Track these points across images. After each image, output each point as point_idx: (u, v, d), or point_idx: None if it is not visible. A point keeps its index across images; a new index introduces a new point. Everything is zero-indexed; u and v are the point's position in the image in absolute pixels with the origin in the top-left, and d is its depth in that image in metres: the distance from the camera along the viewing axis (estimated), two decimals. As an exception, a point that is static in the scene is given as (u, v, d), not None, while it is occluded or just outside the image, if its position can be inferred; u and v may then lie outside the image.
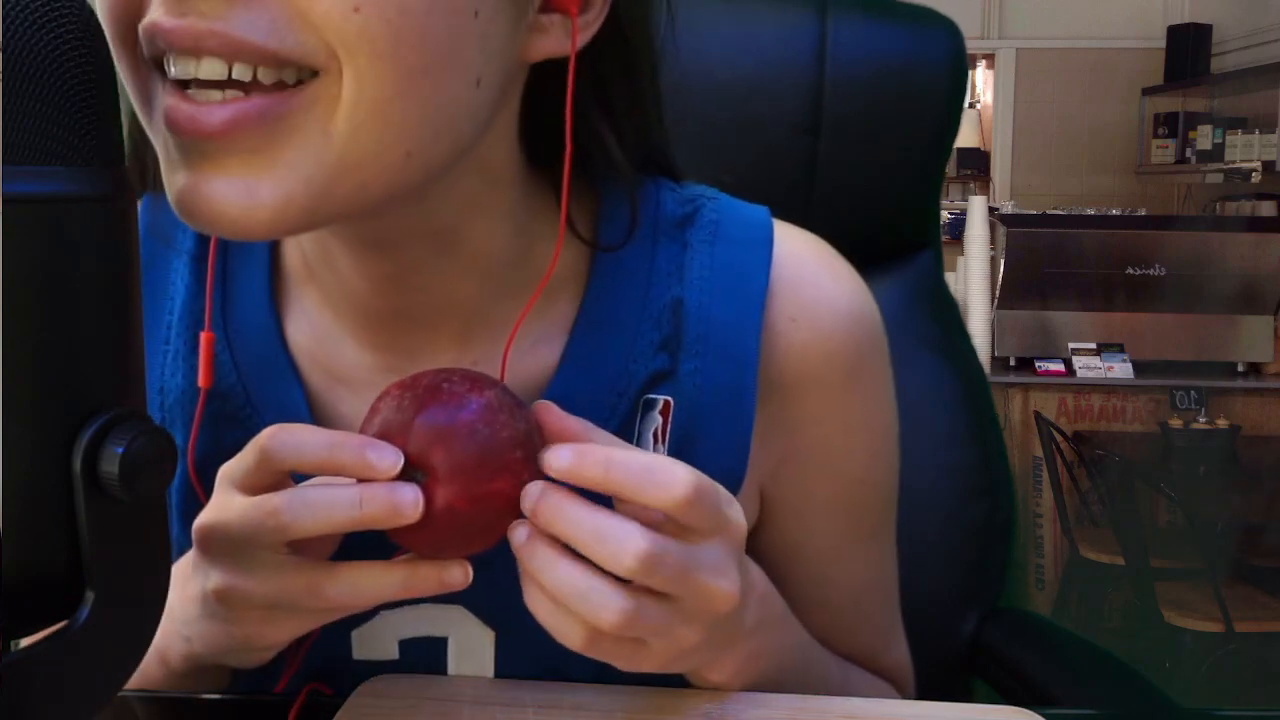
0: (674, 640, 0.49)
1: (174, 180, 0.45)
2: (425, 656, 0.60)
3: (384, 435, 0.47)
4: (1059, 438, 2.97)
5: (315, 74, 0.44)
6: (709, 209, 0.62)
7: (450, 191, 0.53)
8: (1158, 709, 0.76)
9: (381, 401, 0.49)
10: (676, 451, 0.59)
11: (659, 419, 0.59)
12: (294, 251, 0.61)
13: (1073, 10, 5.64)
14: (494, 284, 0.58)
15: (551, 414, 0.49)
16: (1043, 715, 0.54)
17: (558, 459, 0.47)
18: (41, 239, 0.32)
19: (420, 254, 0.55)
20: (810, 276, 0.62)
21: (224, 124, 0.43)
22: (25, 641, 0.34)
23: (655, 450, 0.59)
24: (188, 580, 0.52)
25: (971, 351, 1.00)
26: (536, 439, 0.49)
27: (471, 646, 0.60)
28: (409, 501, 0.46)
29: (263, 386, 0.59)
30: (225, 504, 0.49)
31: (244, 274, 0.61)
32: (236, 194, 0.44)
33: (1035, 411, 3.09)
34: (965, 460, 0.96)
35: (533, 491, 0.47)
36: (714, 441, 0.60)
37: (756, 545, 0.65)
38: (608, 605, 0.46)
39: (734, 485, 0.60)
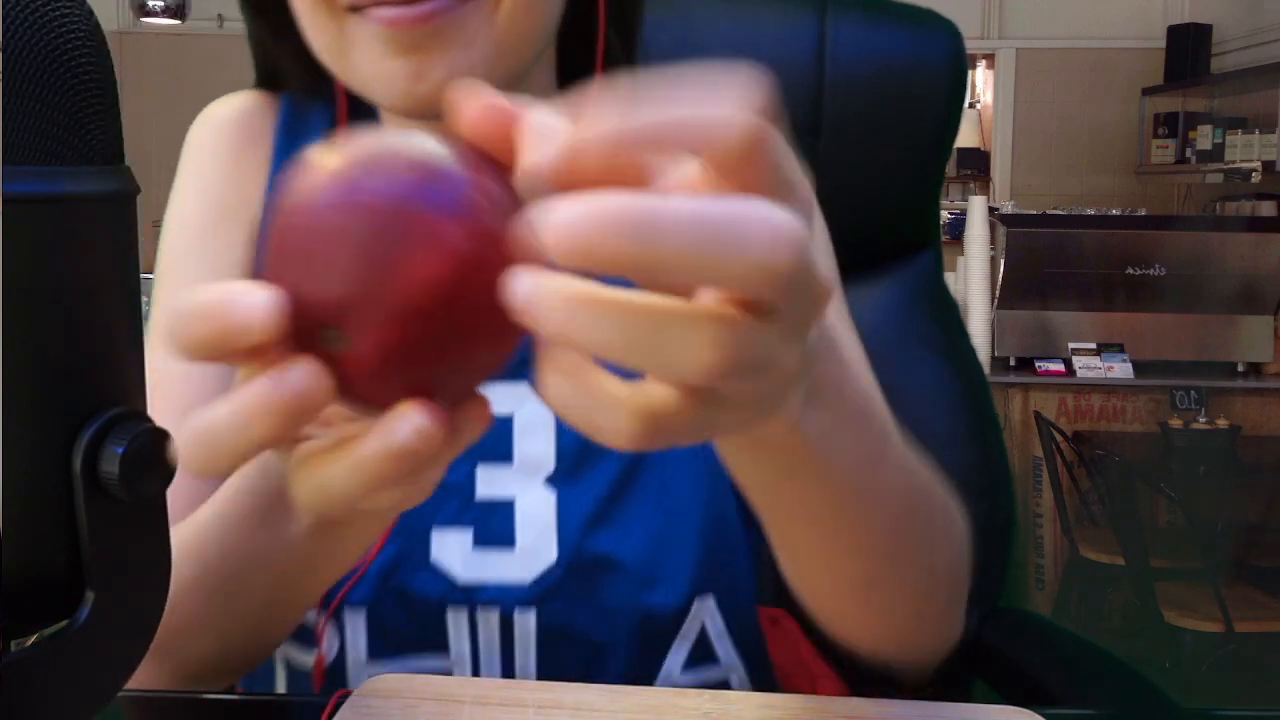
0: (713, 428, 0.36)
1: (388, 74, 0.60)
2: (495, 431, 0.56)
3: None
4: (1059, 438, 2.98)
5: None
6: None
7: (530, 80, 0.66)
8: (1158, 709, 0.76)
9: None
10: None
11: None
12: None
13: (1073, 10, 5.64)
14: None
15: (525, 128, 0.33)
16: (1043, 715, 0.54)
17: (559, 217, 0.29)
18: (41, 239, 0.32)
19: None
20: None
21: (428, 11, 0.58)
22: (25, 641, 0.34)
23: None
24: None
25: (971, 351, 1.00)
26: (485, 195, 0.33)
27: (535, 421, 0.67)
28: (311, 387, 0.33)
29: None
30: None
31: None
32: (443, 71, 0.59)
33: (1035, 411, 3.09)
34: (965, 460, 0.96)
35: (523, 287, 0.30)
36: None
37: None
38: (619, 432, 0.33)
39: None
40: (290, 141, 0.74)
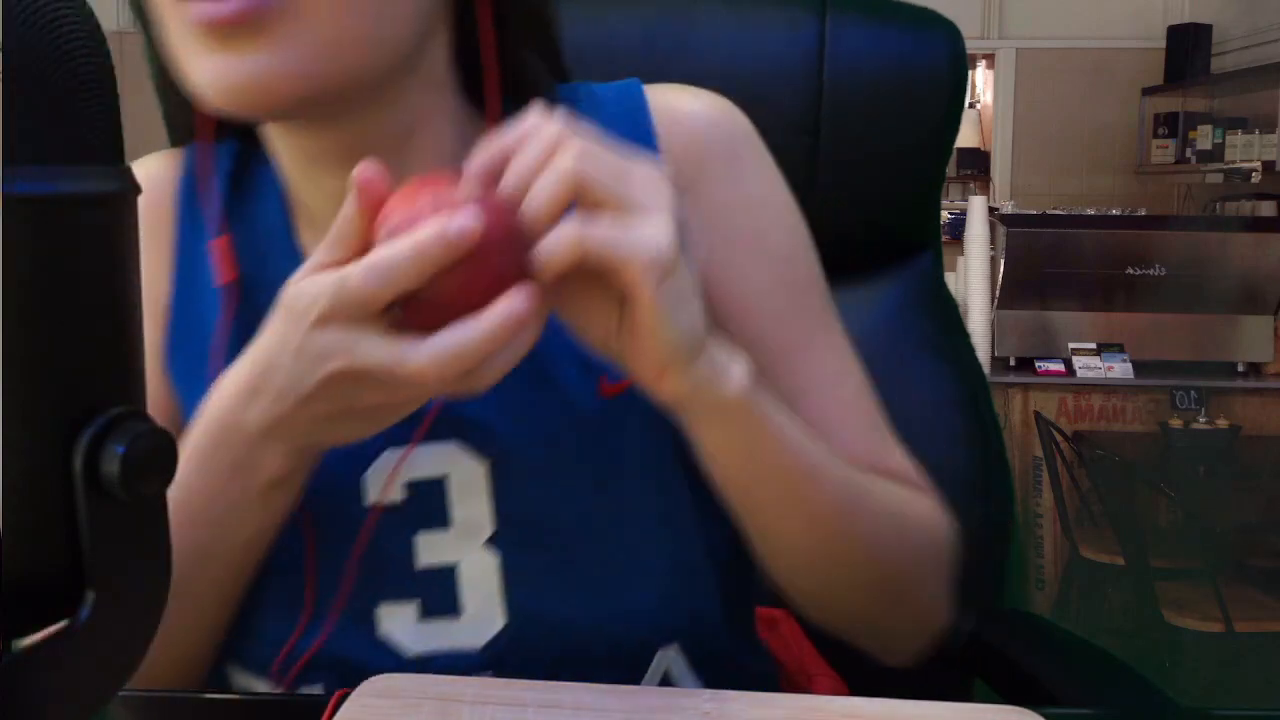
0: (649, 235, 0.51)
1: (203, 68, 0.58)
2: (430, 496, 0.66)
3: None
4: (1059, 438, 2.98)
5: None
6: (585, 90, 0.73)
7: (405, 97, 0.64)
8: (1158, 709, 0.76)
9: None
10: None
11: None
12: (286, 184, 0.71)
13: (1073, 10, 5.64)
14: None
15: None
16: (1043, 715, 0.54)
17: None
18: (42, 239, 0.32)
19: (385, 161, 0.61)
20: (675, 102, 0.72)
21: (237, 12, 0.56)
22: (25, 641, 0.34)
23: None
24: (294, 368, 0.54)
25: (971, 352, 1.00)
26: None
27: (468, 481, 0.66)
28: (469, 224, 0.48)
29: (273, 273, 0.65)
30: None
31: (264, 191, 0.71)
32: (253, 67, 0.57)
33: (1035, 411, 3.09)
34: (965, 460, 0.96)
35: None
36: None
37: None
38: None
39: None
40: (191, 202, 0.73)
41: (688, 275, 0.53)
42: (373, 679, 0.58)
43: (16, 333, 0.31)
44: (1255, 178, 4.80)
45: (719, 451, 0.61)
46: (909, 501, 0.70)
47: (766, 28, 0.94)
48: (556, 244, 0.50)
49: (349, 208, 0.53)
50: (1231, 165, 4.92)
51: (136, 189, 0.36)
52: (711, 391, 0.56)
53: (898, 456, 0.73)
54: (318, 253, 0.54)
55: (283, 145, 0.68)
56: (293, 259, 0.66)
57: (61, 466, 0.33)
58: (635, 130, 0.69)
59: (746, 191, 0.70)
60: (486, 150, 0.53)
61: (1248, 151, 4.87)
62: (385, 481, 0.66)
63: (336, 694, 0.57)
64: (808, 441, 0.62)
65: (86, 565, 0.34)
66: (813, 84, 0.92)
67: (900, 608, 0.71)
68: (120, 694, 0.36)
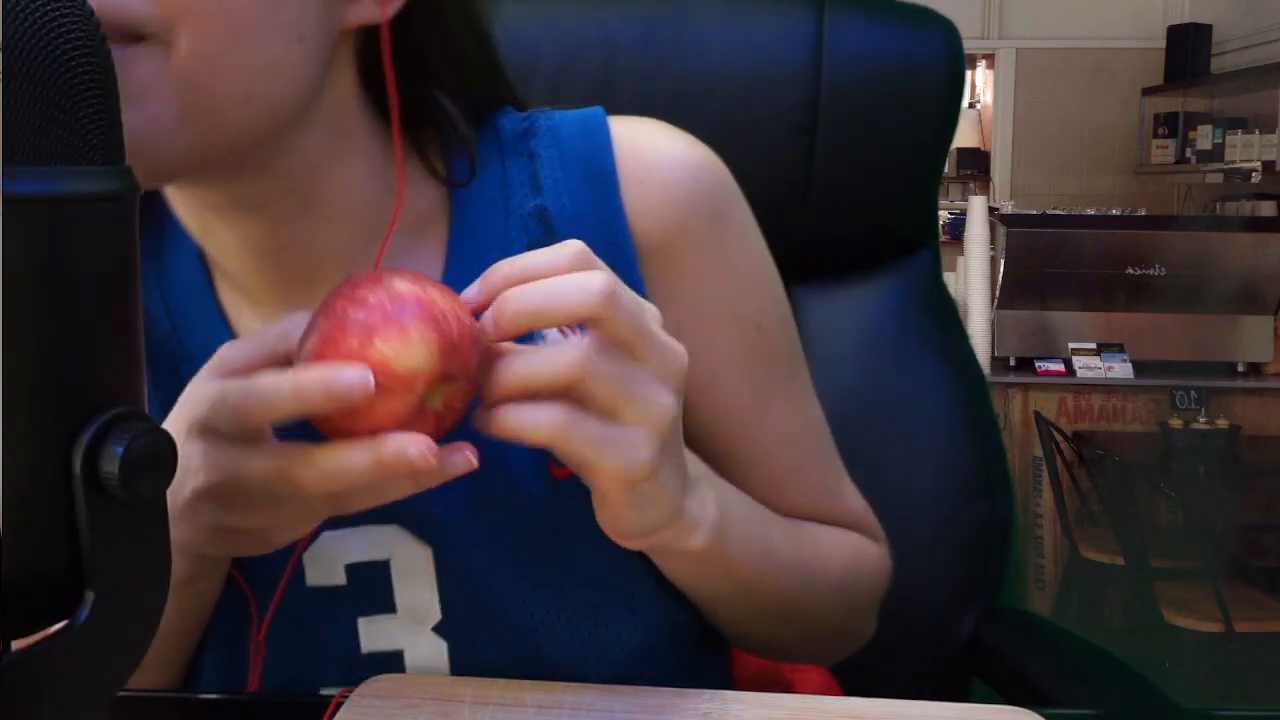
0: (629, 452, 0.49)
1: None
2: (372, 580, 0.63)
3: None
4: (1059, 438, 2.97)
5: (142, 38, 0.49)
6: (543, 119, 0.66)
7: (302, 147, 0.58)
8: (1158, 709, 0.76)
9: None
10: None
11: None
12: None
13: (1073, 10, 5.64)
14: (364, 227, 0.62)
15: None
16: (1043, 715, 0.54)
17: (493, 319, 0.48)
18: (43, 239, 0.32)
19: (287, 210, 0.60)
20: (646, 141, 0.65)
21: None
22: (25, 641, 0.34)
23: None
24: (178, 488, 0.51)
25: (969, 351, 1.00)
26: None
27: (412, 566, 0.63)
28: (356, 384, 0.45)
29: (193, 333, 0.64)
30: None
31: (181, 247, 0.66)
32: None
33: (1035, 411, 3.09)
34: (964, 460, 0.96)
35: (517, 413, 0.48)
36: None
37: (683, 425, 0.66)
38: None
39: None
40: None
41: (669, 469, 0.52)
42: (373, 679, 0.58)
43: (17, 333, 0.31)
44: (1255, 178, 4.80)
45: (680, 577, 0.63)
46: (856, 557, 0.71)
47: (764, 26, 0.94)
48: (533, 421, 0.47)
49: (285, 324, 0.50)
50: (1231, 165, 4.92)
51: (137, 189, 0.36)
52: (676, 546, 0.57)
53: (849, 499, 0.73)
54: (234, 349, 0.51)
55: (177, 199, 0.63)
56: (213, 318, 0.64)
57: (61, 466, 0.33)
58: (597, 171, 0.64)
59: (725, 256, 0.65)
60: (498, 278, 0.49)
61: (1248, 151, 4.87)
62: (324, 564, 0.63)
63: (338, 694, 0.57)
64: (765, 537, 0.64)
65: (86, 565, 0.34)
66: (810, 82, 0.92)
67: (836, 643, 0.75)
68: (120, 694, 0.37)
